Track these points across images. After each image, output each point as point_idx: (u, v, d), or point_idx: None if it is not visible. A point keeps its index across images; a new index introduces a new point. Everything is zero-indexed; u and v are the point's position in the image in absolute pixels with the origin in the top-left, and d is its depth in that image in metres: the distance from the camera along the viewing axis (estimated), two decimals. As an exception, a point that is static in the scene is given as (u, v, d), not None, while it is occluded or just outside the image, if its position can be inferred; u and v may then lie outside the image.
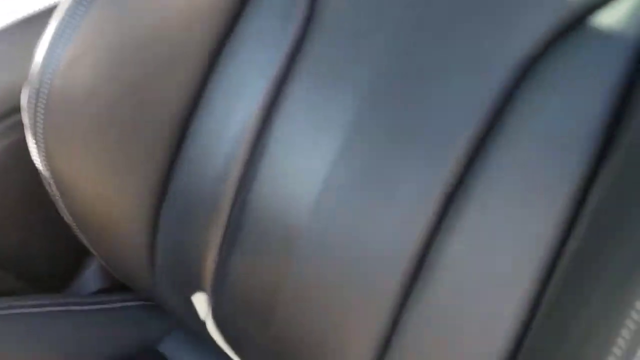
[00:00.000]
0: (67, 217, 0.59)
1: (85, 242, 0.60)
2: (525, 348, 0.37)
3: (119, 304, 0.65)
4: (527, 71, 0.40)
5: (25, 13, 0.61)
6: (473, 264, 0.41)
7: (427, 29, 0.45)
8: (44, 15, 0.61)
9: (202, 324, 0.56)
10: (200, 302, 0.55)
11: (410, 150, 0.45)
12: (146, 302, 0.66)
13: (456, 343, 0.40)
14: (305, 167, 0.49)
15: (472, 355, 0.41)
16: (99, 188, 0.56)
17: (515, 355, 0.39)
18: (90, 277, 0.69)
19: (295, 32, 0.51)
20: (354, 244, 0.46)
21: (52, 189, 0.57)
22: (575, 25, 0.40)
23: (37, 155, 0.56)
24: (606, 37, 0.39)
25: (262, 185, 0.51)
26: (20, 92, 0.59)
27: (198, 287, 0.55)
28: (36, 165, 0.56)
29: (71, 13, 0.53)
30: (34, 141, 0.55)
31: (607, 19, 0.40)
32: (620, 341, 0.29)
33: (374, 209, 0.45)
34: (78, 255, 0.69)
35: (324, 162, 0.48)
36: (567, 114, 0.39)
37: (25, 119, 0.55)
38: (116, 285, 0.69)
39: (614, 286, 0.30)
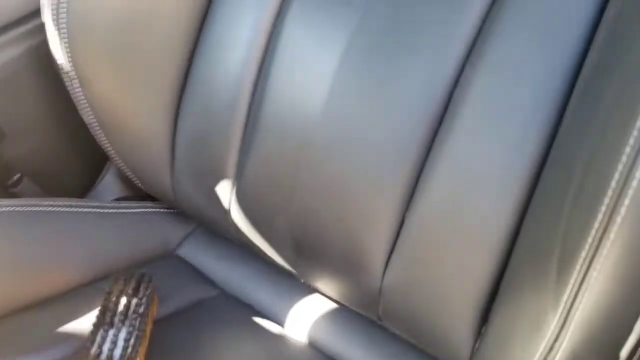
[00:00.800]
0: (89, 117, 0.60)
1: (105, 144, 0.62)
2: (555, 148, 0.40)
3: (138, 210, 0.66)
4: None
5: None
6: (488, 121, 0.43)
7: None
8: None
9: (225, 214, 0.58)
10: (223, 189, 0.57)
11: (414, 42, 0.47)
12: (165, 209, 0.67)
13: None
14: (315, 63, 0.50)
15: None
16: (120, 82, 0.57)
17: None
18: (109, 186, 0.70)
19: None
20: (373, 115, 0.48)
21: (75, 88, 0.58)
22: None
23: (60, 53, 0.57)
24: None
25: (277, 77, 0.53)
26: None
27: (221, 175, 0.56)
28: (58, 64, 0.57)
29: None
30: (57, 39, 0.56)
31: None
32: (631, 140, 0.31)
33: (382, 100, 0.47)
34: (97, 163, 0.70)
35: (335, 44, 0.50)
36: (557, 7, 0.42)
37: (48, 18, 0.56)
38: (134, 194, 0.71)
39: (623, 88, 0.33)
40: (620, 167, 0.31)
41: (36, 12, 0.61)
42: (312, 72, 0.51)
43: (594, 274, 0.32)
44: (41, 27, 0.58)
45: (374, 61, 0.48)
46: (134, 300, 0.51)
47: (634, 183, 0.30)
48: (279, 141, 0.53)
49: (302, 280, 0.60)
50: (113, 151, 0.62)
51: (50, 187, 0.67)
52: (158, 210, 0.67)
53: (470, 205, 0.45)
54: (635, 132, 0.31)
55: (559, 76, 0.41)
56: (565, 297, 0.34)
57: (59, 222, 0.61)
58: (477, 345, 0.48)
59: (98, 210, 0.64)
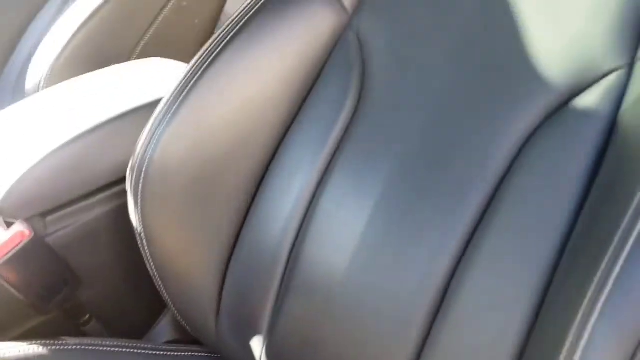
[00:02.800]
0: (152, 269, 0.70)
1: (164, 293, 0.71)
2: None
3: (187, 353, 0.74)
4: (522, 147, 0.50)
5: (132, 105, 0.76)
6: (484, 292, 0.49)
7: (445, 116, 0.57)
8: (146, 108, 0.77)
9: (258, 364, 0.65)
10: (256, 343, 0.64)
11: (431, 210, 0.55)
12: (210, 355, 0.74)
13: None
14: (344, 229, 0.59)
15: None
16: (180, 242, 0.68)
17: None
18: (164, 329, 0.79)
19: (344, 119, 0.64)
20: (387, 284, 0.55)
21: (142, 243, 0.69)
22: (561, 107, 0.51)
23: (134, 214, 0.69)
24: (585, 116, 0.49)
25: (311, 244, 0.62)
26: (122, 168, 0.74)
27: (255, 330, 0.64)
28: (132, 223, 0.69)
29: (170, 103, 0.68)
30: (133, 203, 0.68)
31: (587, 99, 0.50)
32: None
33: (402, 258, 0.55)
34: (156, 308, 0.79)
35: (360, 221, 0.58)
36: (553, 176, 0.49)
37: (129, 185, 0.69)
38: (186, 338, 0.78)
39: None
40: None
41: (121, 180, 0.74)
42: (339, 241, 0.59)
43: None
44: (124, 192, 0.71)
45: (391, 237, 0.57)
46: None
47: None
48: (307, 300, 0.60)
49: None
50: (169, 299, 0.71)
51: (114, 328, 0.76)
52: (203, 354, 0.74)
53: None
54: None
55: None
56: None
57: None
58: None
59: (151, 352, 0.72)
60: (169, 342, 0.78)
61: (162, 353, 0.72)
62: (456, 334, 0.51)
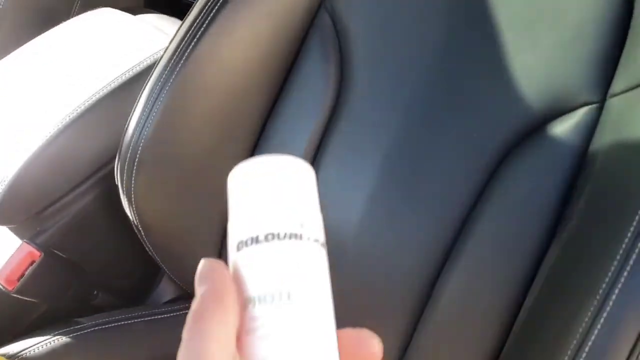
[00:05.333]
0: (148, 248, 0.74)
1: (161, 265, 0.76)
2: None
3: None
4: (503, 159, 0.55)
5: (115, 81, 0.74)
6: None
7: (425, 112, 0.60)
8: (130, 85, 0.75)
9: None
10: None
11: (414, 215, 0.60)
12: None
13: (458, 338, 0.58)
14: (343, 209, 0.64)
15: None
16: (174, 227, 0.72)
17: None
18: (162, 290, 0.85)
19: (325, 110, 0.66)
20: (386, 259, 0.62)
21: (138, 228, 0.72)
22: (535, 130, 0.55)
23: (126, 203, 0.71)
24: (557, 143, 0.54)
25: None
26: (103, 154, 0.74)
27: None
28: (120, 201, 0.71)
29: (157, 91, 0.67)
30: (124, 192, 0.70)
31: (559, 127, 0.54)
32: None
33: (399, 242, 0.62)
34: (152, 273, 0.85)
35: (347, 215, 0.63)
36: (529, 195, 0.55)
37: (117, 173, 0.70)
38: (184, 294, 0.86)
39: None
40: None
41: (104, 165, 0.75)
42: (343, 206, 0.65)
43: None
44: (107, 176, 0.72)
45: (377, 239, 0.63)
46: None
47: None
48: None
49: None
50: (167, 271, 0.77)
51: (121, 295, 0.82)
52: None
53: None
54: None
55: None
56: None
57: (130, 333, 0.76)
58: None
59: (160, 316, 0.78)
60: (172, 300, 0.85)
61: (169, 315, 0.79)
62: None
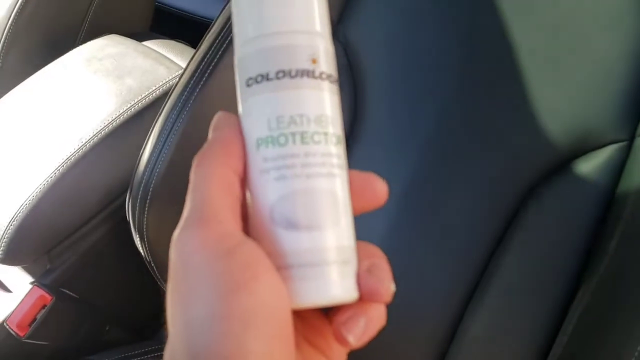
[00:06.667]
0: (160, 283, 0.73)
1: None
2: None
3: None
4: (527, 196, 0.54)
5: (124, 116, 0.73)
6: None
7: (451, 151, 0.59)
8: (140, 116, 0.73)
9: None
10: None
11: (436, 253, 0.59)
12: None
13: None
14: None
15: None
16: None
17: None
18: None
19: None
20: (408, 297, 0.60)
21: (150, 264, 0.71)
22: (559, 168, 0.53)
23: (137, 239, 0.70)
24: (584, 182, 0.52)
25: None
26: (112, 190, 0.72)
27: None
28: (130, 235, 0.69)
29: (170, 123, 0.65)
30: (135, 229, 0.69)
31: (585, 166, 0.52)
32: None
33: (421, 281, 0.60)
34: (163, 306, 0.84)
35: (377, 236, 0.62)
36: (555, 234, 0.53)
37: (129, 210, 0.69)
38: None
39: None
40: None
41: (114, 199, 0.74)
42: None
43: None
44: (117, 210, 0.71)
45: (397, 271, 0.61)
46: None
47: None
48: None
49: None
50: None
51: (131, 330, 0.80)
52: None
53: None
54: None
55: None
56: None
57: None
58: None
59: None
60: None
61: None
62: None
